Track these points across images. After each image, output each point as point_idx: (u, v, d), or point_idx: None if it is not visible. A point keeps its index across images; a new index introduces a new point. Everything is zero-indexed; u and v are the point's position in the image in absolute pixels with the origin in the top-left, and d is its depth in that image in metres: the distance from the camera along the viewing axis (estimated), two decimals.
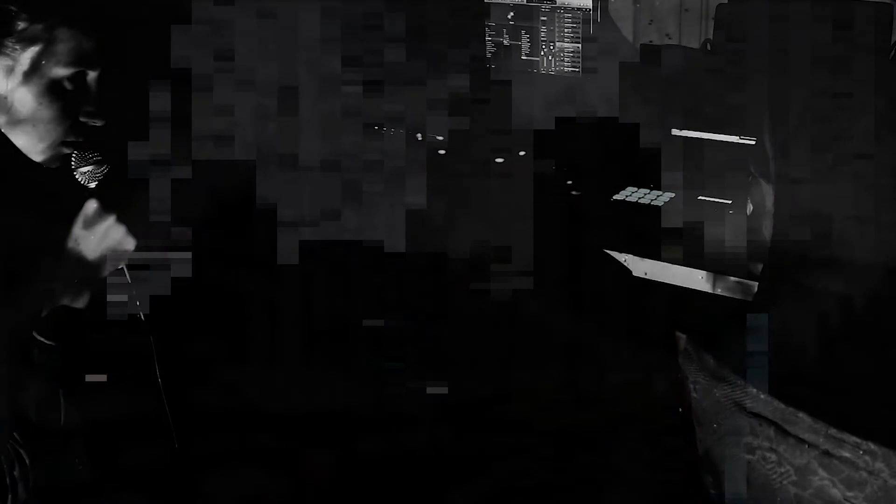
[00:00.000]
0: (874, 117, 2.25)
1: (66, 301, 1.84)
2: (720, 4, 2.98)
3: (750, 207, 2.53)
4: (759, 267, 2.42)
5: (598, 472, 2.75)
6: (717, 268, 2.60)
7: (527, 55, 3.20)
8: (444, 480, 2.75)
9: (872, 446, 1.75)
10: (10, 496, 1.75)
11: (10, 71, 1.76)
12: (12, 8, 1.73)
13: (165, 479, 2.29)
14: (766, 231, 2.35)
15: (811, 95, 2.34)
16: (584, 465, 2.76)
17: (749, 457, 1.99)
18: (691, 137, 2.92)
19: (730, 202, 2.77)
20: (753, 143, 2.58)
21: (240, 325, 2.92)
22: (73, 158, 1.84)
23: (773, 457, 1.91)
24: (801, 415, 1.86)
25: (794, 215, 2.38)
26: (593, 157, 3.04)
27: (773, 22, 2.45)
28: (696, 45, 3.12)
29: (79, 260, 1.83)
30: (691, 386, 2.06)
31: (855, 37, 2.31)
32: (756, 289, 2.44)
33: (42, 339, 1.81)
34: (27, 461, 1.76)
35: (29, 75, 1.76)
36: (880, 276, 2.30)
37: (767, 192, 2.35)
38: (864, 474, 1.77)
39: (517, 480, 2.77)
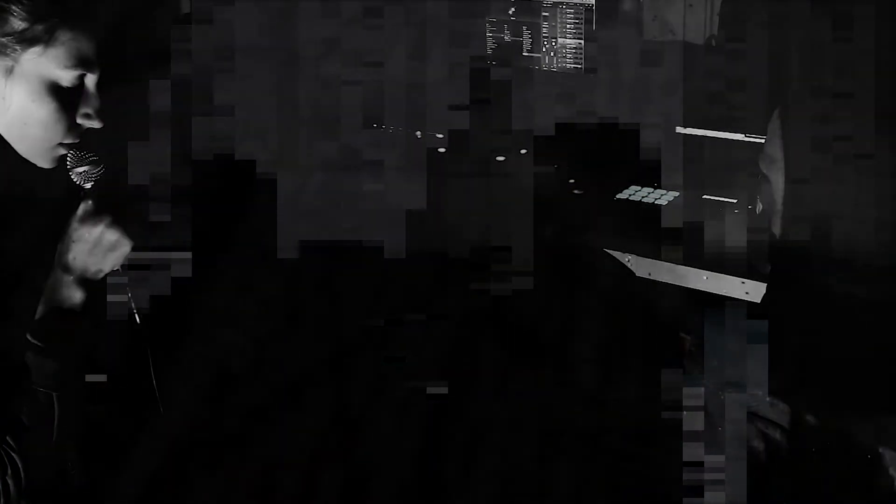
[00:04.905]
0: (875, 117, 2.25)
1: (60, 303, 1.82)
2: (725, 0, 2.96)
3: (759, 206, 2.51)
4: (768, 267, 2.40)
5: (600, 472, 2.74)
6: (722, 268, 2.57)
7: (528, 51, 3.18)
8: (443, 480, 2.74)
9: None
10: (2, 500, 1.73)
11: (9, 71, 1.74)
12: (13, 8, 1.72)
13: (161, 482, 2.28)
14: (776, 230, 2.34)
15: (812, 95, 2.33)
16: (585, 465, 2.75)
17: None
18: (695, 136, 2.90)
19: (735, 201, 2.75)
20: (761, 141, 2.56)
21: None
22: (68, 158, 1.83)
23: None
24: (808, 417, 1.85)
25: (798, 215, 2.37)
26: (596, 156, 3.02)
27: (775, 20, 2.44)
28: (700, 41, 3.10)
29: (74, 261, 1.82)
30: None
31: (856, 36, 2.30)
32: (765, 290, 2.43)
33: (36, 342, 1.79)
34: (20, 465, 1.75)
35: (28, 76, 1.75)
36: (885, 276, 2.29)
37: (777, 191, 2.33)
38: None
39: (517, 480, 2.76)
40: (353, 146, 3.09)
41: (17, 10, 1.73)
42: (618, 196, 2.92)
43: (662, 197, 2.87)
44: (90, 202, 1.82)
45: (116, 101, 1.87)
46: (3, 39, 1.73)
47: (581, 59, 3.09)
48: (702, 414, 2.39)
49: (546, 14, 3.12)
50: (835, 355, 2.36)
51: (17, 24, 1.73)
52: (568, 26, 3.08)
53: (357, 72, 3.12)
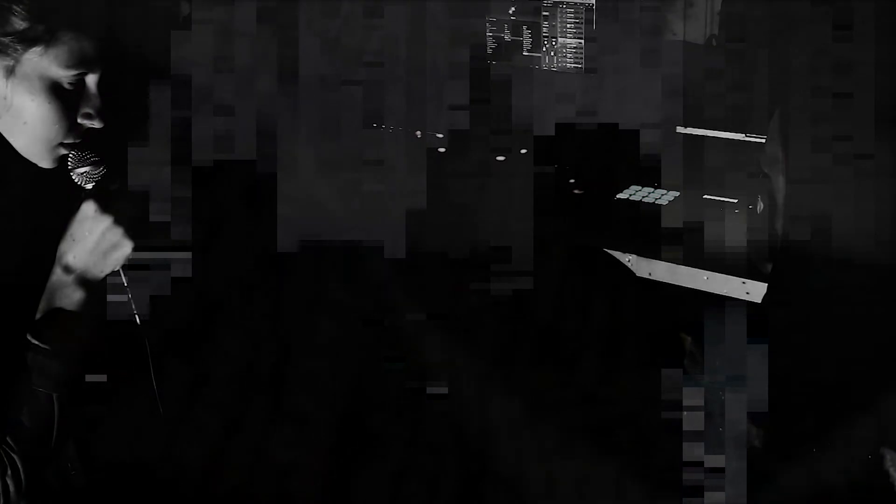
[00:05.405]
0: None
1: (61, 303, 1.82)
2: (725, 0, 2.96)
3: (760, 206, 2.51)
4: (769, 267, 2.40)
5: (599, 471, 2.74)
6: (722, 268, 2.57)
7: (528, 51, 3.18)
8: (443, 478, 2.75)
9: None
10: (1, 501, 1.73)
11: (10, 71, 1.74)
12: (15, 8, 1.71)
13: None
14: (778, 230, 2.34)
15: (812, 95, 2.33)
16: (585, 465, 2.76)
17: None
18: (695, 136, 2.90)
19: (735, 201, 2.75)
20: (762, 141, 2.56)
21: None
22: (70, 159, 1.83)
23: None
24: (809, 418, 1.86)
25: (799, 215, 2.37)
26: (596, 156, 3.02)
27: (775, 20, 2.45)
28: (700, 41, 3.10)
29: (74, 261, 1.82)
30: None
31: (856, 36, 2.30)
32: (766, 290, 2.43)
33: (36, 342, 1.79)
34: (19, 466, 1.75)
35: (29, 75, 1.75)
36: (885, 276, 2.30)
37: (779, 190, 2.33)
38: None
39: (518, 480, 2.77)
40: (354, 146, 3.10)
41: (19, 9, 1.73)
42: (618, 196, 2.92)
43: (662, 197, 2.87)
44: (91, 203, 1.82)
45: (117, 101, 1.87)
46: (5, 39, 1.73)
47: (581, 59, 3.08)
48: (702, 414, 2.39)
49: (546, 14, 3.11)
50: (835, 355, 2.36)
51: (19, 23, 1.73)
52: (568, 26, 3.08)
53: (357, 72, 3.12)
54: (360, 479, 2.73)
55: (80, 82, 1.80)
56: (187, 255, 1.92)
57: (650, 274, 2.69)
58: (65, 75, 1.77)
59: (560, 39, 3.11)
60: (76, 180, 1.84)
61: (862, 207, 2.29)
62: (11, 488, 1.74)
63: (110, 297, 1.88)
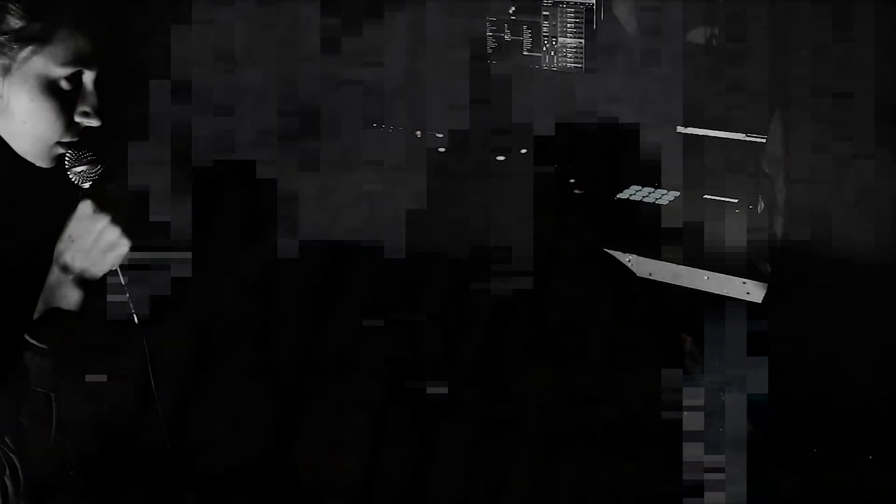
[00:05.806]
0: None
1: (59, 303, 1.82)
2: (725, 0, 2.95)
3: (761, 205, 2.51)
4: (769, 267, 2.40)
5: (598, 472, 2.74)
6: (722, 268, 2.57)
7: (528, 51, 3.18)
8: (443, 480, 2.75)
9: None
10: (0, 501, 1.73)
11: (6, 70, 1.74)
12: (10, 6, 1.71)
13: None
14: (778, 229, 2.34)
15: (812, 95, 2.33)
16: (583, 465, 2.75)
17: None
18: (695, 136, 2.90)
19: (735, 201, 2.75)
20: (762, 141, 2.56)
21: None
22: (67, 158, 1.82)
23: None
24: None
25: (800, 214, 2.37)
26: (596, 156, 3.02)
27: (775, 20, 2.45)
28: (700, 40, 3.09)
29: (72, 261, 1.81)
30: None
31: (856, 36, 2.30)
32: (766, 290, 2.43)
33: (34, 342, 1.78)
34: (18, 466, 1.75)
35: (26, 74, 1.74)
36: (885, 276, 2.29)
37: (779, 190, 2.33)
38: None
39: (517, 480, 2.76)
40: (354, 146, 3.09)
41: (15, 8, 1.72)
42: (618, 196, 2.92)
43: (663, 197, 2.87)
44: (89, 202, 1.82)
45: (116, 100, 1.86)
46: (1, 38, 1.73)
47: (581, 58, 3.08)
48: (702, 414, 2.39)
49: (546, 13, 3.11)
50: (835, 354, 2.36)
51: (15, 22, 1.72)
52: (568, 26, 3.08)
53: (357, 72, 3.11)
54: (357, 478, 2.73)
55: (77, 80, 1.79)
56: (187, 255, 1.92)
57: (650, 274, 2.69)
58: (61, 73, 1.77)
59: (560, 39, 3.10)
60: (73, 179, 1.83)
61: (862, 207, 2.29)
62: (10, 488, 1.74)
63: (109, 297, 1.87)
